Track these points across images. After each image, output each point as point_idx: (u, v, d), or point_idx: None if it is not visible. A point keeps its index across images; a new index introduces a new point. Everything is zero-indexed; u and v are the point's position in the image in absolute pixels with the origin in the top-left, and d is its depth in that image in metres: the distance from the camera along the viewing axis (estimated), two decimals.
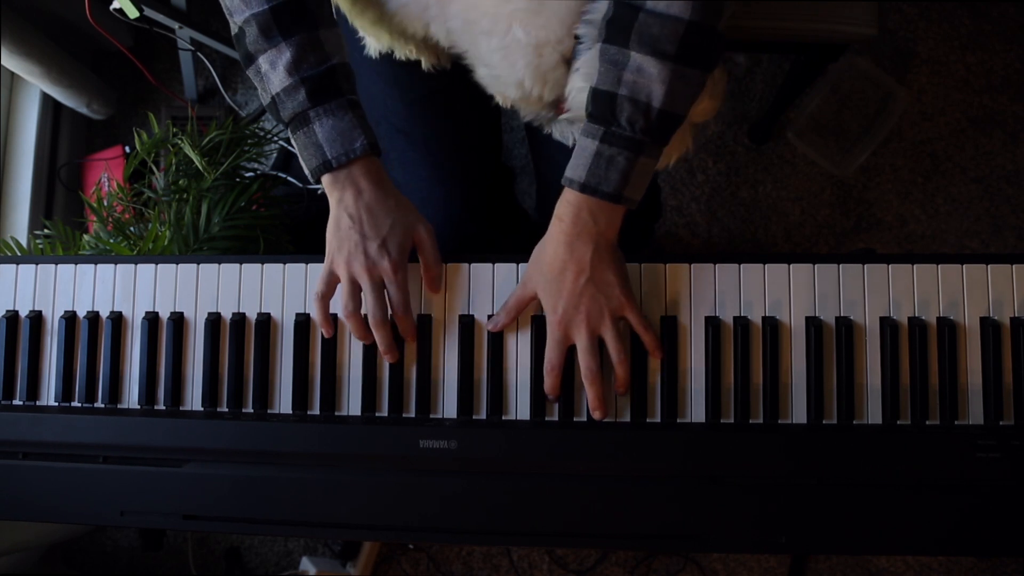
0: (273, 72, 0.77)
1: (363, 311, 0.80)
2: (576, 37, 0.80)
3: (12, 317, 0.88)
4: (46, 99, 1.64)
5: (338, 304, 0.81)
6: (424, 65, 0.95)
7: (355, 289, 0.80)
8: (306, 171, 0.80)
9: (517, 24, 0.79)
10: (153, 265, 0.87)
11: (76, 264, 0.88)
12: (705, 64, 0.74)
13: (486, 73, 0.87)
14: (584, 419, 0.81)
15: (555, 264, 0.78)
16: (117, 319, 0.87)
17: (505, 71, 0.84)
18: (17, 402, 0.87)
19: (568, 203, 0.78)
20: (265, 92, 0.79)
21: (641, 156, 0.75)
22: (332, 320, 0.83)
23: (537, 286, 0.80)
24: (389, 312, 0.81)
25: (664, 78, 0.72)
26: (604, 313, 0.78)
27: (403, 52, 0.94)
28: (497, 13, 0.79)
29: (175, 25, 1.52)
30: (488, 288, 0.84)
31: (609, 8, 0.75)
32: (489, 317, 0.83)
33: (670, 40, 0.71)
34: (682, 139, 0.93)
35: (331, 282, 0.81)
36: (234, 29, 0.79)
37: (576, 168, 0.76)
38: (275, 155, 1.59)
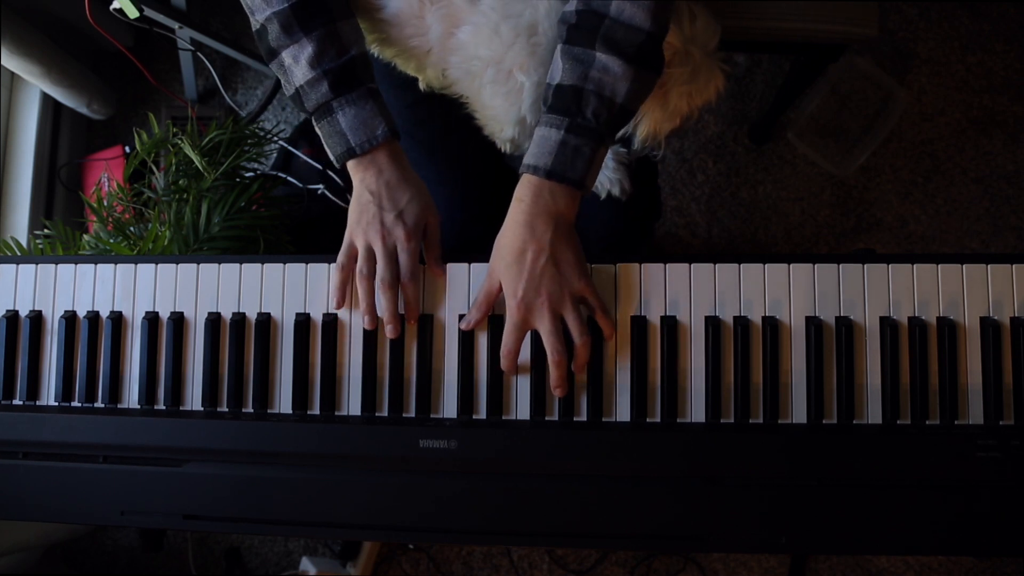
0: (296, 66, 0.81)
1: (376, 277, 0.82)
2: None
3: (12, 317, 0.88)
4: (46, 99, 1.64)
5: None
6: (421, 85, 0.97)
7: (371, 255, 0.82)
8: (331, 157, 0.84)
9: (517, 70, 0.86)
10: (153, 265, 0.87)
11: (76, 264, 0.88)
12: (658, 69, 0.81)
13: (484, 114, 0.93)
14: (584, 419, 0.81)
15: (515, 245, 0.80)
16: (117, 319, 0.87)
17: (506, 112, 0.89)
18: (17, 402, 0.87)
19: (529, 185, 0.80)
20: (289, 84, 0.83)
21: (601, 147, 0.80)
22: (343, 293, 0.83)
23: (498, 272, 0.81)
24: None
25: (628, 77, 0.78)
26: (565, 294, 0.79)
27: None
28: (500, 64, 0.86)
29: (175, 25, 1.52)
30: None
31: (571, 15, 0.80)
32: (461, 317, 0.83)
33: (631, 45, 0.78)
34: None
35: (351, 253, 0.83)
36: (255, 26, 0.82)
37: (540, 156, 0.79)
38: (275, 155, 1.59)
